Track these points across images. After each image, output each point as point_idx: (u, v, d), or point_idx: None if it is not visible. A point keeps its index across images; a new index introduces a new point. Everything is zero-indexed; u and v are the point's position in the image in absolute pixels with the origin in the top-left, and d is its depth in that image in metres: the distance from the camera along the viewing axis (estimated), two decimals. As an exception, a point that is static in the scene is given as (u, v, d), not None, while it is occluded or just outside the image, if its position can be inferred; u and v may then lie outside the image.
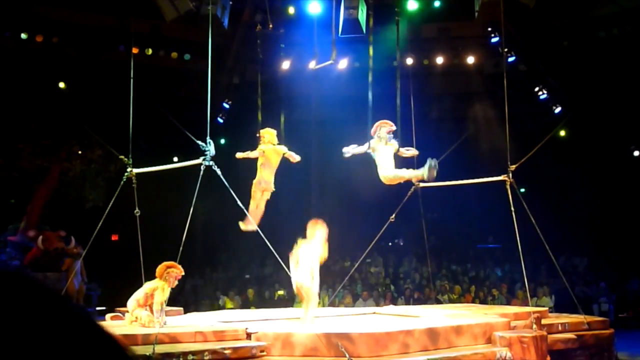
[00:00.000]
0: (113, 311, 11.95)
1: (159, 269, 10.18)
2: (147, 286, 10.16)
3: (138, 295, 10.15)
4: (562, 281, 13.20)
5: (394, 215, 13.63)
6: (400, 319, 11.31)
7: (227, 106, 19.33)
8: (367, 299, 18.27)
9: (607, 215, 21.79)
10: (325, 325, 10.23)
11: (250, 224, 11.68)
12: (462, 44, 19.08)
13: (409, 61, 17.70)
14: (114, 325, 10.40)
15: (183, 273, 10.38)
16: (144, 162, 12.29)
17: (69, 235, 17.56)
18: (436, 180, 13.22)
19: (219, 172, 11.13)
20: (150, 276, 11.18)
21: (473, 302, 17.75)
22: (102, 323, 1.31)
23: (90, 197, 19.24)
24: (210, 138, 11.06)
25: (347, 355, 8.48)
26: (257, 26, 16.77)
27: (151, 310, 9.95)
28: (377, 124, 11.83)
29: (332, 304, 16.59)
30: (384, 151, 11.60)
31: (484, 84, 19.51)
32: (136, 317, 10.04)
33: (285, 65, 18.30)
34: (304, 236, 10.42)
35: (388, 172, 11.48)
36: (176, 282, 10.30)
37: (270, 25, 16.75)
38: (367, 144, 11.71)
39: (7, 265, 17.38)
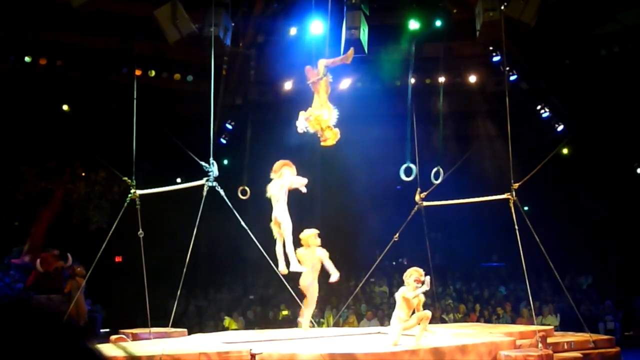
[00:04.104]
0: (117, 333, 11.93)
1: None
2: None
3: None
4: (567, 299, 13.17)
5: (397, 235, 13.63)
6: (405, 338, 11.26)
7: (230, 127, 19.36)
8: (372, 319, 18.21)
9: (612, 232, 21.74)
10: (329, 345, 10.20)
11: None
12: (464, 63, 19.13)
13: (411, 81, 17.75)
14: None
15: None
16: (147, 183, 12.31)
17: (63, 253, 17.56)
18: (439, 198, 13.27)
19: (222, 192, 11.15)
20: (154, 297, 11.20)
21: (478, 321, 17.68)
22: (99, 347, 1.29)
23: (94, 219, 19.23)
24: (214, 159, 11.09)
25: (352, 376, 8.45)
26: (244, 48, 16.91)
27: None
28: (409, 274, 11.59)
29: (336, 324, 16.53)
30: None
31: (486, 103, 19.54)
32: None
33: (288, 85, 18.36)
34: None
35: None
36: None
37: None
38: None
39: (11, 289, 17.38)
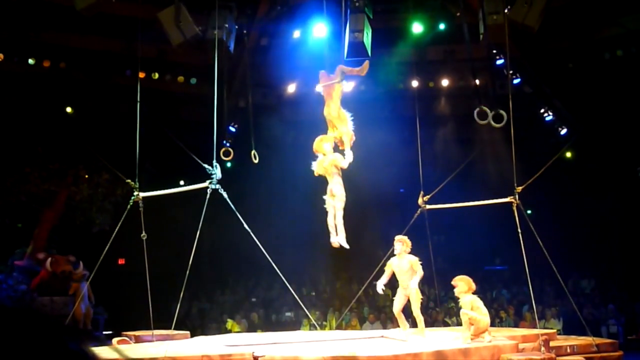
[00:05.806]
0: (120, 335, 11.93)
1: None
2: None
3: None
4: (570, 303, 13.16)
5: (400, 238, 13.60)
6: (408, 342, 11.25)
7: (233, 130, 19.36)
8: (374, 322, 18.20)
9: (615, 236, 21.70)
10: (332, 348, 10.19)
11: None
12: (467, 66, 19.10)
13: (415, 84, 17.74)
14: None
15: None
16: (150, 185, 12.32)
17: (77, 260, 17.58)
18: (442, 202, 13.26)
19: (225, 195, 11.16)
20: (157, 299, 11.19)
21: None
22: (93, 350, 1.29)
23: (97, 221, 19.23)
24: (217, 162, 11.09)
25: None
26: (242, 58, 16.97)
27: None
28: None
29: (339, 327, 16.52)
30: (400, 265, 11.73)
31: (490, 106, 19.49)
32: None
33: (292, 88, 18.37)
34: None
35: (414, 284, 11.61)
36: None
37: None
38: (387, 276, 11.73)
39: (14, 291, 17.39)
